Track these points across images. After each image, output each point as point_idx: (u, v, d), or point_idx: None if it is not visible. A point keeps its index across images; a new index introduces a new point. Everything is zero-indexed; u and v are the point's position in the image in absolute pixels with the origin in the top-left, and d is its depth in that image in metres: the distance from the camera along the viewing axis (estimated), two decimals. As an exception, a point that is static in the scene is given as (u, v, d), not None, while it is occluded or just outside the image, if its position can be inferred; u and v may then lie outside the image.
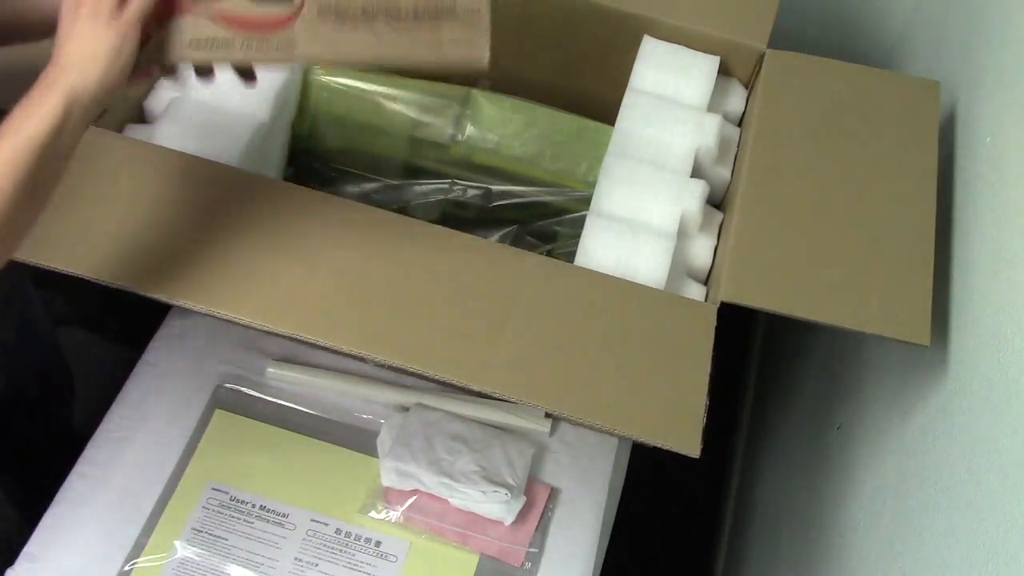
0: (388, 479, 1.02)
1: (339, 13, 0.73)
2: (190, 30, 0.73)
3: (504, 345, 0.80)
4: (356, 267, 0.82)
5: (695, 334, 0.83)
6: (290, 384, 1.08)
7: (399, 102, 1.05)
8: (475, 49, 0.72)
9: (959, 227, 0.89)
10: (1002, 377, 0.72)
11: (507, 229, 1.05)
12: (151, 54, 0.74)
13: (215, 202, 0.85)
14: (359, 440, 1.06)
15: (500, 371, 0.79)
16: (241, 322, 0.80)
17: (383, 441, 1.05)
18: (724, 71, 1.04)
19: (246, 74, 0.79)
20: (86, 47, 0.67)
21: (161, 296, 0.81)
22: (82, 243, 0.82)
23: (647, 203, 0.93)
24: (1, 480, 1.36)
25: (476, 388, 0.79)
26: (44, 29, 0.76)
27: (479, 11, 0.72)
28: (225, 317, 0.80)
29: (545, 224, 1.04)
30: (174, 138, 0.96)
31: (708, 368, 0.81)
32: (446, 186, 1.08)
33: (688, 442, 0.77)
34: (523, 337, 0.81)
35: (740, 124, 1.04)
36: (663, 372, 0.81)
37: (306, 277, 0.82)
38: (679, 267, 0.92)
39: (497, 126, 1.03)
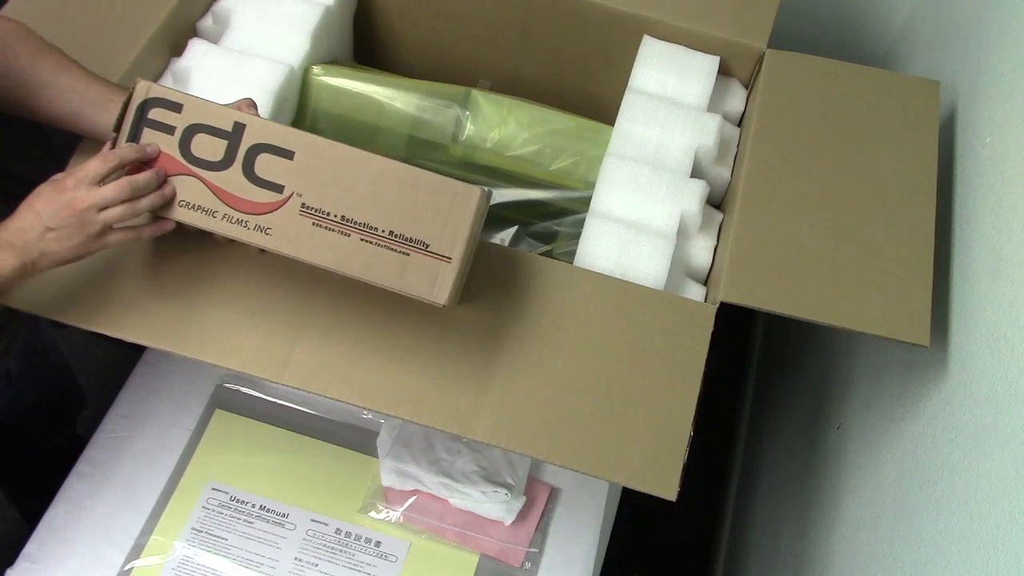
0: (388, 479, 1.02)
1: (319, 215, 0.76)
2: (184, 190, 0.77)
3: (496, 381, 0.80)
4: (343, 316, 0.82)
5: (692, 338, 0.83)
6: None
7: (399, 102, 1.05)
8: (435, 289, 0.75)
9: (959, 227, 0.89)
10: (1002, 377, 0.72)
11: (507, 229, 1.05)
12: None
13: (204, 254, 0.85)
14: (359, 440, 1.06)
15: (489, 414, 0.79)
16: (234, 370, 0.81)
17: (383, 441, 1.05)
18: (724, 71, 1.04)
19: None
20: (58, 244, 0.72)
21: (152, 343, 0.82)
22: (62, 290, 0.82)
23: (647, 203, 0.93)
24: (5, 483, 1.36)
25: (465, 438, 0.80)
26: (49, 122, 0.83)
27: (451, 258, 0.75)
28: (215, 364, 0.81)
29: (545, 224, 1.04)
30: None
31: (699, 386, 0.81)
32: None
33: (666, 486, 0.77)
34: (515, 360, 0.81)
35: (740, 124, 1.04)
36: (653, 396, 0.80)
37: (297, 329, 0.82)
38: (679, 267, 0.92)
39: (497, 126, 1.03)
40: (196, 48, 0.98)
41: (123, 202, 0.74)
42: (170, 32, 0.98)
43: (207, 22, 1.03)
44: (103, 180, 0.73)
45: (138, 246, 0.84)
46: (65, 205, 0.71)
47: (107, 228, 0.73)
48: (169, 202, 0.77)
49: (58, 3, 0.95)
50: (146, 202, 0.75)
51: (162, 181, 0.76)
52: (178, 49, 0.99)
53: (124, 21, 0.95)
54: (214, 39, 1.01)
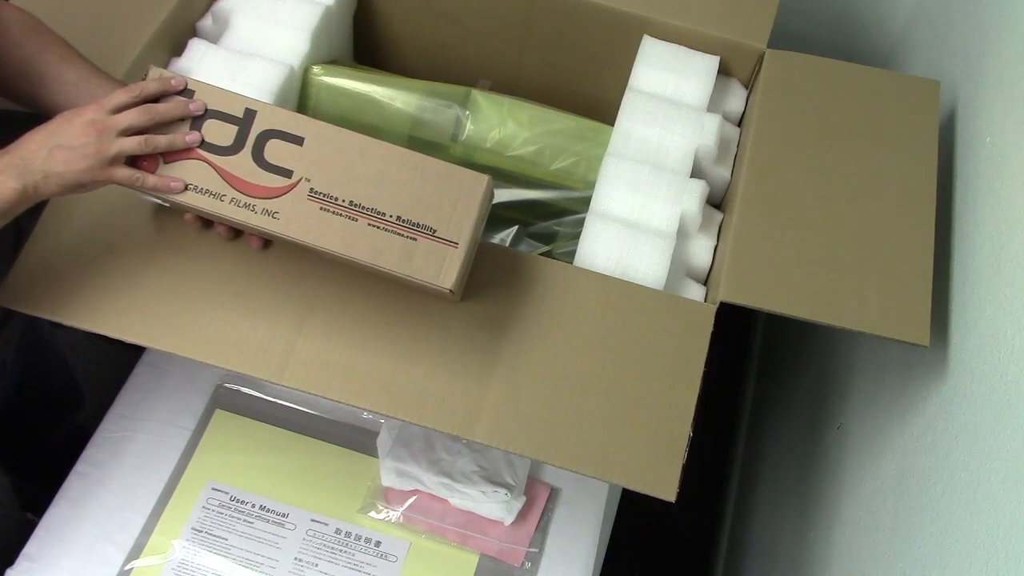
0: (388, 479, 1.02)
1: (327, 199, 0.76)
2: (192, 173, 0.77)
3: (495, 381, 0.80)
4: (343, 317, 0.82)
5: (692, 338, 0.83)
6: (290, 384, 1.09)
7: (399, 102, 1.05)
8: (442, 274, 0.75)
9: (959, 227, 0.89)
10: (1002, 377, 0.72)
11: (507, 229, 1.05)
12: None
13: (204, 253, 0.85)
14: (359, 440, 1.06)
15: (488, 415, 0.79)
16: (234, 371, 0.81)
17: (383, 441, 1.05)
18: (724, 71, 1.04)
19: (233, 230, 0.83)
20: (66, 164, 0.71)
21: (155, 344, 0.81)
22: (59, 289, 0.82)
23: (647, 203, 0.93)
24: (12, 482, 1.36)
25: (465, 439, 0.80)
26: (48, 113, 0.81)
27: (458, 243, 0.75)
28: (214, 365, 0.81)
29: (545, 224, 1.04)
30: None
31: (698, 386, 0.81)
32: (446, 186, 1.08)
33: (665, 487, 0.77)
34: (515, 361, 0.81)
35: (740, 124, 1.04)
36: (653, 396, 0.80)
37: (297, 330, 0.82)
38: (679, 267, 0.92)
39: (497, 126, 1.03)
40: (196, 48, 0.98)
41: (142, 132, 0.73)
42: (170, 32, 0.98)
43: (207, 22, 1.03)
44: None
45: (137, 245, 0.84)
46: (85, 124, 0.71)
47: (119, 158, 0.73)
48: (189, 150, 0.76)
49: (58, 3, 0.95)
50: (164, 140, 0.74)
51: (188, 117, 0.76)
52: (178, 49, 0.99)
53: (124, 21, 0.95)
54: (214, 39, 1.01)
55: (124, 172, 0.74)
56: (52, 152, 0.70)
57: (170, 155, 0.76)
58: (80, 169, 0.71)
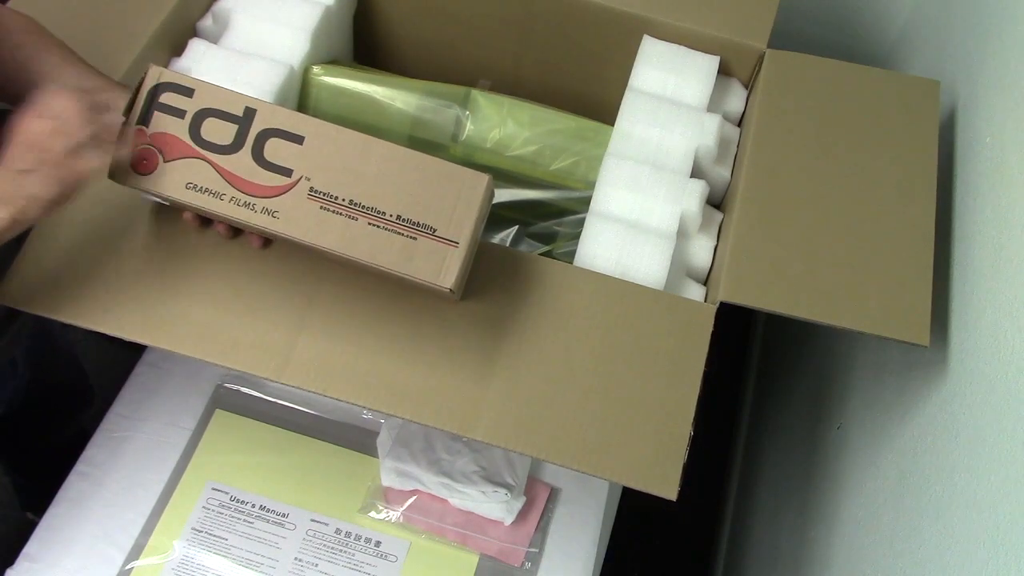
0: (388, 479, 1.02)
1: (327, 199, 0.76)
2: (191, 172, 0.77)
3: (495, 380, 0.80)
4: (343, 315, 0.82)
5: (692, 338, 0.83)
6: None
7: (399, 102, 1.05)
8: (442, 274, 0.75)
9: (959, 227, 0.89)
10: (1002, 377, 0.72)
11: (507, 230, 1.05)
12: (149, 184, 0.77)
13: (204, 251, 0.84)
14: (359, 440, 1.06)
15: (489, 413, 0.79)
16: (235, 369, 0.81)
17: (383, 441, 1.05)
18: (724, 71, 1.04)
19: (232, 228, 0.82)
20: (43, 187, 0.69)
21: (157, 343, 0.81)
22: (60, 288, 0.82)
23: (647, 203, 0.93)
24: (14, 482, 1.36)
25: (466, 437, 0.80)
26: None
27: (458, 243, 0.75)
28: (215, 363, 0.81)
29: (545, 224, 1.04)
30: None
31: (699, 386, 0.80)
32: (446, 186, 1.08)
33: (667, 485, 0.77)
34: (515, 360, 0.81)
35: (740, 124, 1.04)
36: (653, 396, 0.80)
37: (297, 329, 0.82)
38: (679, 267, 0.92)
39: (497, 126, 1.03)
40: (196, 48, 0.98)
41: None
42: (170, 32, 0.98)
43: (207, 22, 1.03)
44: None
45: (136, 244, 0.84)
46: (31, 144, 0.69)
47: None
48: (189, 149, 0.75)
49: (57, 3, 0.95)
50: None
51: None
52: (178, 49, 0.99)
53: (124, 21, 0.95)
54: (214, 39, 1.01)
55: (84, 163, 0.70)
56: (16, 178, 0.69)
57: (170, 154, 0.76)
58: (48, 183, 0.69)
